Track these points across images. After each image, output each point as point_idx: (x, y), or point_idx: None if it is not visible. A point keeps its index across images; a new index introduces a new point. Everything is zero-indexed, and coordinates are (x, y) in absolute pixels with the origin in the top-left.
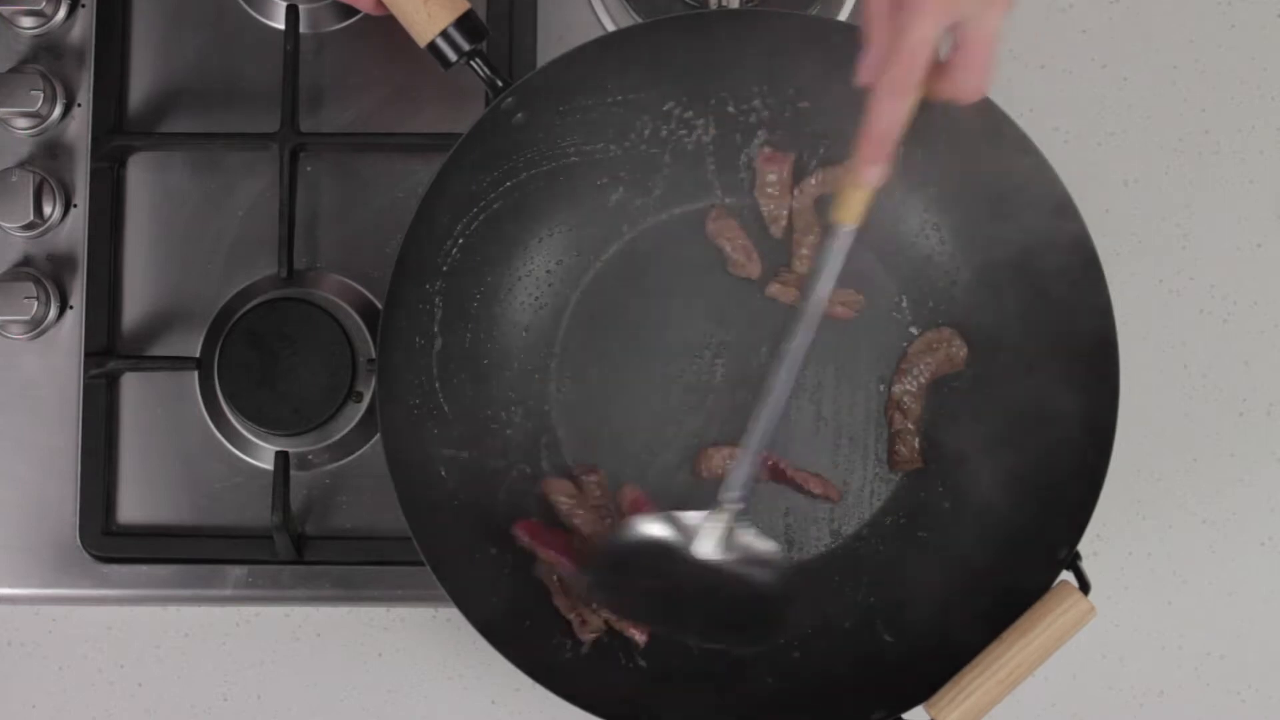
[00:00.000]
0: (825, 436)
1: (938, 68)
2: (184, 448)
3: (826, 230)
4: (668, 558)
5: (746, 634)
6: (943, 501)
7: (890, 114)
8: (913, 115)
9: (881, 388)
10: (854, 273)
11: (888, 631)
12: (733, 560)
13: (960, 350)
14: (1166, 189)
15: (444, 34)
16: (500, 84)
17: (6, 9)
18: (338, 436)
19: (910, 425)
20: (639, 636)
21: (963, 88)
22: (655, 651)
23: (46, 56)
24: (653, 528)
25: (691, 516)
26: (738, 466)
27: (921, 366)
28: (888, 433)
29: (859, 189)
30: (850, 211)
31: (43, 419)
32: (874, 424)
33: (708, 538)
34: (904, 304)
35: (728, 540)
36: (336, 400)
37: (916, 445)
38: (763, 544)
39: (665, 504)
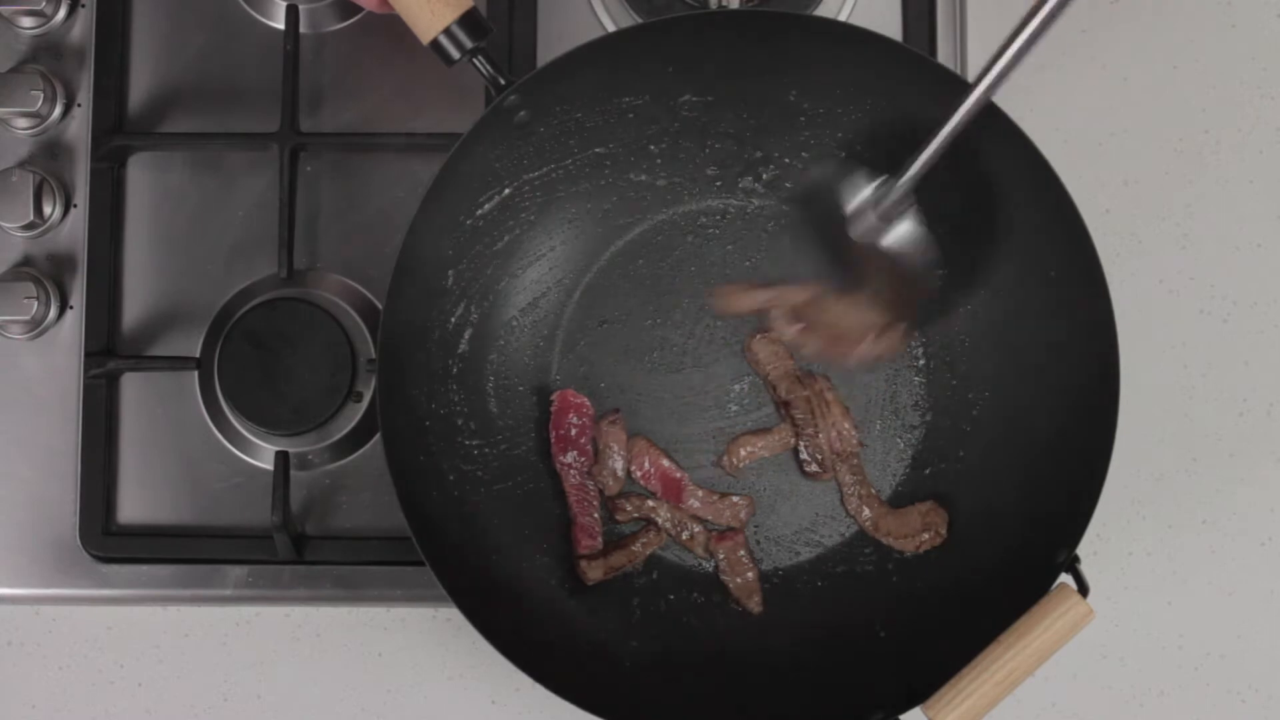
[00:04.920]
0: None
1: None
2: (184, 448)
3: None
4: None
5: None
6: (942, 504)
7: None
8: None
9: (884, 382)
10: (851, 266)
11: (886, 631)
12: (886, 240)
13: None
14: (1166, 189)
15: (447, 31)
16: (503, 82)
17: (6, 9)
18: (338, 436)
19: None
20: None
21: None
22: (655, 651)
23: (46, 56)
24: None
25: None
26: (919, 153)
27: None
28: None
29: None
30: None
31: (43, 419)
32: (877, 422)
33: (868, 210)
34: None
35: (886, 217)
36: (336, 400)
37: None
38: (917, 231)
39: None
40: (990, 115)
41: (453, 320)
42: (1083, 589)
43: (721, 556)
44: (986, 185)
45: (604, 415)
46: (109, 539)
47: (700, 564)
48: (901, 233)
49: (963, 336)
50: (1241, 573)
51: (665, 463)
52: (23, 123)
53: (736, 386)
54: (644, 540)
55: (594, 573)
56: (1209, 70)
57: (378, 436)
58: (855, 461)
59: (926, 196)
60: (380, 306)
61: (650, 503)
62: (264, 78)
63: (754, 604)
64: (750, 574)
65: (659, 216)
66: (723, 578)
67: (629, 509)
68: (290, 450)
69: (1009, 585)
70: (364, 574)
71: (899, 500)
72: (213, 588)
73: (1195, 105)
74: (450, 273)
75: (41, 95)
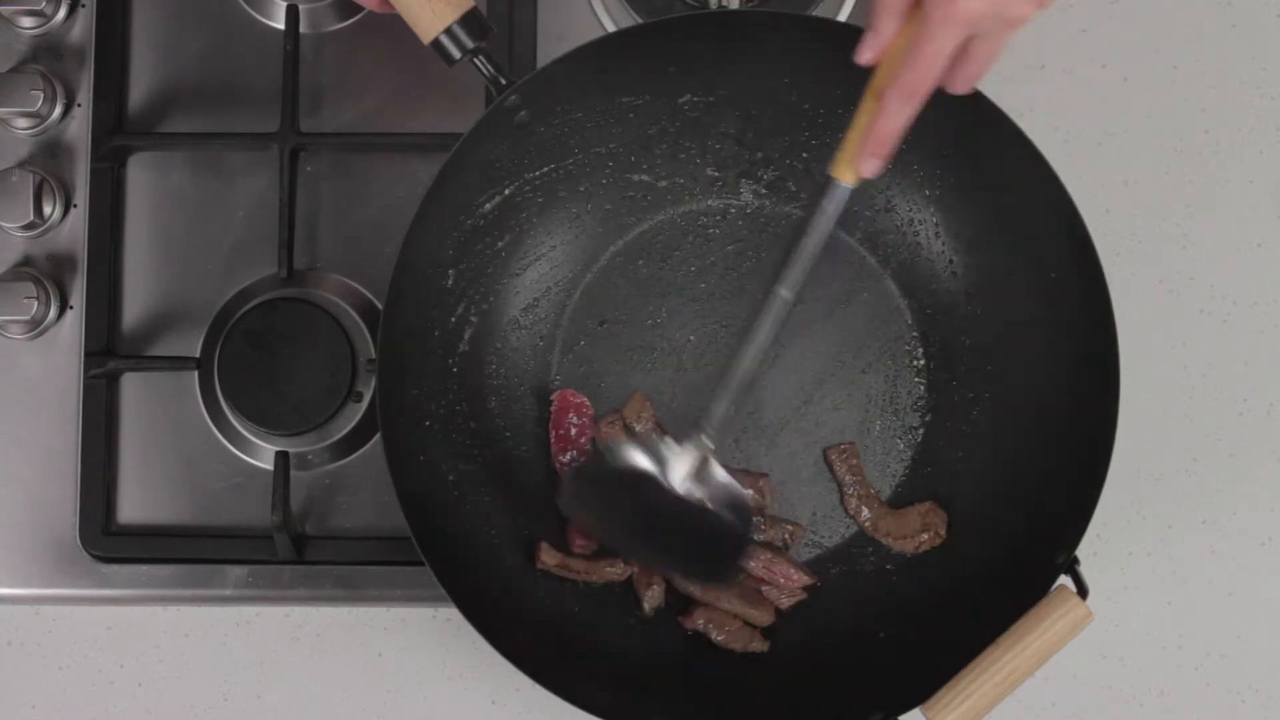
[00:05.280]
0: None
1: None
2: (184, 448)
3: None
4: (641, 483)
5: (709, 569)
6: (942, 504)
7: (899, 116)
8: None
9: (884, 381)
10: (851, 266)
11: (886, 631)
12: (703, 495)
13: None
14: (1166, 189)
15: (448, 31)
16: (503, 82)
17: (6, 9)
18: (338, 436)
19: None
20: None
21: (954, 83)
22: (655, 651)
23: (46, 56)
24: (631, 453)
25: (671, 446)
26: (713, 404)
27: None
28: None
29: (851, 179)
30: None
31: (43, 419)
32: (877, 422)
33: (680, 469)
34: (901, 298)
35: (700, 475)
36: (336, 400)
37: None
38: (732, 486)
39: None
40: (990, 115)
41: (453, 320)
42: (1082, 591)
43: (701, 624)
44: (986, 185)
45: (604, 415)
46: (109, 539)
47: None
48: (715, 487)
49: (963, 337)
50: (1241, 573)
51: None
52: (23, 123)
53: None
54: (611, 568)
55: (548, 558)
56: (1209, 70)
57: (378, 436)
58: (855, 462)
59: (925, 197)
60: (380, 306)
61: None
62: (264, 78)
63: (757, 646)
64: (734, 625)
65: (659, 216)
66: (715, 640)
67: None
68: (290, 450)
69: (1009, 586)
70: (364, 574)
71: (899, 500)
72: (213, 588)
73: (1195, 105)
74: (450, 273)
75: (41, 95)
